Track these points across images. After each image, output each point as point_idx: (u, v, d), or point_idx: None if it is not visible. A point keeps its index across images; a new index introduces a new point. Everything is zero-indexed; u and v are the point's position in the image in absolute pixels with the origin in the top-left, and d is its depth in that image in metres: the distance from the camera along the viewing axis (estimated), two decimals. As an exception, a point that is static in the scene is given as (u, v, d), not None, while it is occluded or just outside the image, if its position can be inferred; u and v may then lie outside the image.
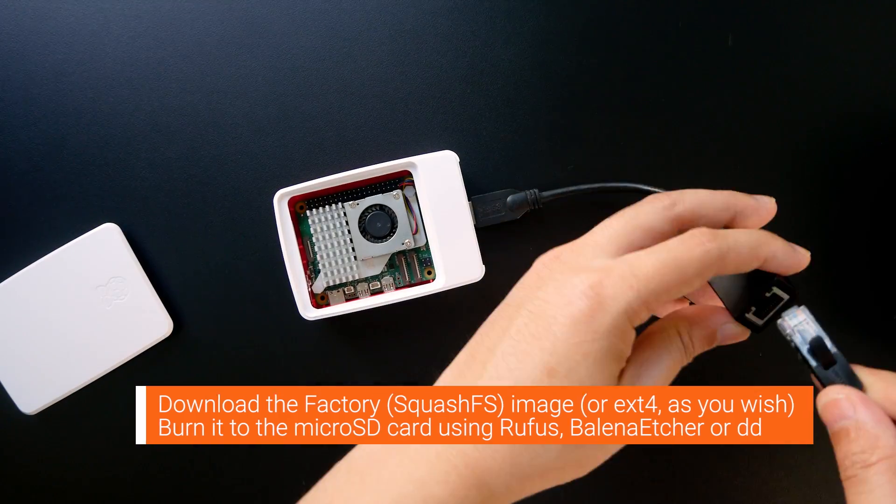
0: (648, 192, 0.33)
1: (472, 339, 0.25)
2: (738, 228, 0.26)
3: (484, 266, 0.35)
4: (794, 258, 0.25)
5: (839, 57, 0.36)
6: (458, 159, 0.34)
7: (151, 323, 0.37)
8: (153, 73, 0.37)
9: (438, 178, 0.34)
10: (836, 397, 0.24)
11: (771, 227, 0.37)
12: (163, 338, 0.37)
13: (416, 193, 0.35)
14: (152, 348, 0.37)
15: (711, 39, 0.36)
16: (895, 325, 0.37)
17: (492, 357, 0.24)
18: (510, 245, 0.37)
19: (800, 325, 0.25)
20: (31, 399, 0.37)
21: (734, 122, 0.37)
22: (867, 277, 0.37)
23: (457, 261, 0.34)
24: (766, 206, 0.26)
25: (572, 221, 0.35)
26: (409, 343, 0.37)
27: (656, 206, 0.25)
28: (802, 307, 0.25)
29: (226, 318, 0.38)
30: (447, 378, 0.25)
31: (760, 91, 0.36)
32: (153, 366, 0.38)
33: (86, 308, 0.37)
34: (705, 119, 0.37)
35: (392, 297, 0.35)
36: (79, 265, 0.36)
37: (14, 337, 0.37)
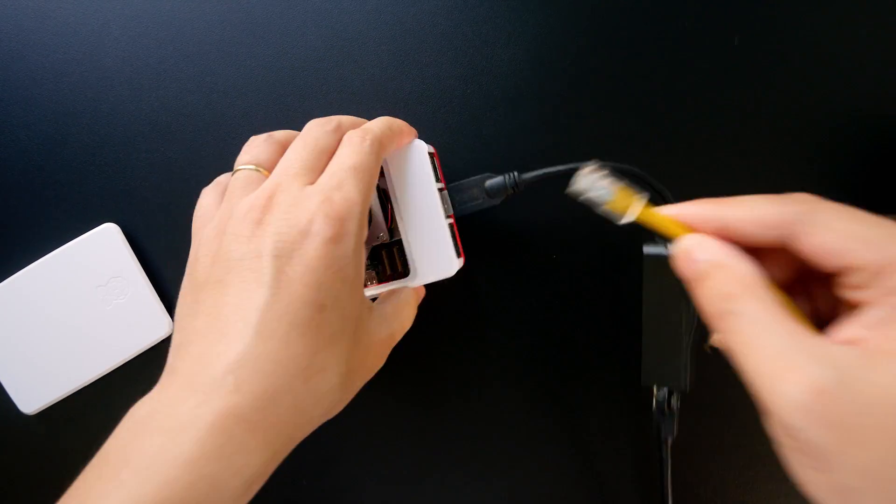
0: (633, 173, 0.31)
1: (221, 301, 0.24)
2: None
3: (460, 259, 0.33)
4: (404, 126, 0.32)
5: (846, 57, 0.36)
6: (431, 149, 0.33)
7: (151, 323, 0.37)
8: (153, 73, 0.37)
9: (409, 169, 0.33)
10: (688, 245, 0.22)
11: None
12: (163, 338, 0.37)
13: (387, 187, 0.34)
14: (152, 348, 0.37)
15: (717, 40, 0.36)
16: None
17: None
18: (492, 232, 0.36)
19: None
20: (30, 399, 0.37)
21: (740, 122, 0.36)
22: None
23: (429, 257, 0.33)
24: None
25: (554, 203, 0.36)
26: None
27: (327, 130, 0.29)
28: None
29: (225, 319, 0.37)
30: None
31: (766, 92, 0.36)
32: (153, 366, 0.38)
33: (85, 308, 0.37)
34: (710, 120, 0.36)
35: (372, 291, 0.34)
36: (79, 265, 0.36)
37: (14, 336, 0.37)
